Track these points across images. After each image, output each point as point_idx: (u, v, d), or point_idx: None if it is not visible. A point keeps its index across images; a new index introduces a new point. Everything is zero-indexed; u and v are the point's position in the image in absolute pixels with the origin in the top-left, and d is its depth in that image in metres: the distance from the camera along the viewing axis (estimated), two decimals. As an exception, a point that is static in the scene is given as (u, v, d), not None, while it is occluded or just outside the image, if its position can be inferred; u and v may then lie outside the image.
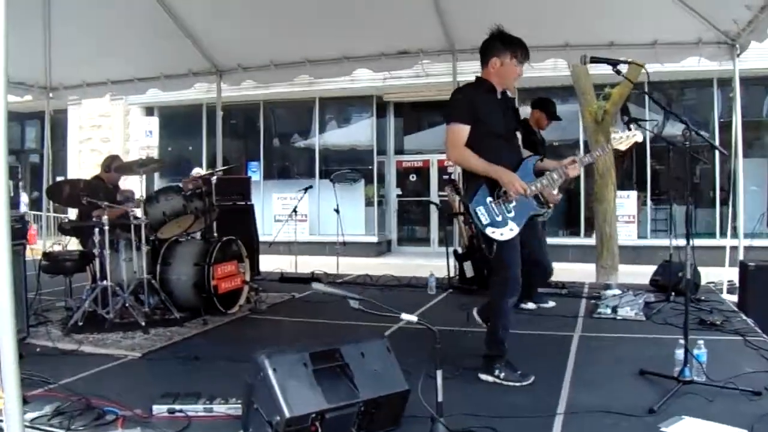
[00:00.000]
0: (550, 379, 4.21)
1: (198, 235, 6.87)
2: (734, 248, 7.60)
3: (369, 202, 18.07)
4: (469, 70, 9.38)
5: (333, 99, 18.02)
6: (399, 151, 18.42)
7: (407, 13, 7.68)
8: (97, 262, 5.91)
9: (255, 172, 18.29)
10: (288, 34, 8.32)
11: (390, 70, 9.44)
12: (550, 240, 7.75)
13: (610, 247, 10.08)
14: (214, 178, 6.89)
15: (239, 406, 3.38)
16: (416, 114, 18.51)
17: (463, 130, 4.17)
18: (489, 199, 4.16)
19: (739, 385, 3.78)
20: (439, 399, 3.05)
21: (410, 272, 9.32)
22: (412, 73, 13.32)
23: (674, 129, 9.43)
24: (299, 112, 18.95)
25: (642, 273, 8.37)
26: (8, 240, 2.78)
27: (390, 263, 14.17)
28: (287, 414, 2.86)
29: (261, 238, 9.50)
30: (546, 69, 10.40)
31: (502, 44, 4.22)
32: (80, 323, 5.53)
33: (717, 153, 12.74)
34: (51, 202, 10.97)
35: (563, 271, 7.44)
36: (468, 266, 7.77)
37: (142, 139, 17.22)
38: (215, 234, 6.81)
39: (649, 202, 15.76)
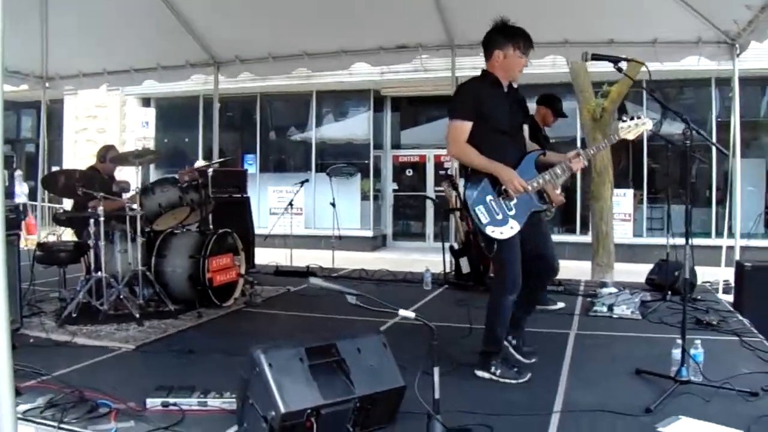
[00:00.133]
0: (547, 376, 4.21)
1: (194, 227, 6.84)
2: (730, 248, 7.61)
3: (365, 197, 18.03)
4: (468, 65, 9.36)
5: (330, 92, 17.96)
6: (396, 145, 18.39)
7: (407, 7, 7.64)
8: (91, 253, 5.86)
9: (251, 165, 18.25)
10: (287, 27, 8.27)
11: (388, 64, 9.38)
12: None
13: (606, 245, 10.10)
14: (211, 170, 6.86)
15: (234, 400, 3.37)
16: (413, 109, 18.50)
17: (465, 126, 4.13)
18: (489, 197, 4.12)
19: (736, 386, 3.77)
20: (436, 396, 3.03)
21: (405, 267, 9.30)
22: (410, 68, 13.24)
23: (672, 127, 9.44)
24: (296, 105, 18.91)
25: (637, 271, 8.36)
26: (2, 230, 2.76)
27: (385, 258, 14.16)
28: (283, 409, 2.84)
29: (256, 231, 9.46)
30: (545, 66, 10.38)
31: (504, 36, 4.17)
32: (74, 314, 5.49)
33: (714, 152, 12.80)
34: (46, 192, 10.93)
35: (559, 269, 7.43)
36: (464, 262, 7.75)
37: (138, 130, 17.11)
38: (211, 226, 6.79)
39: (645, 200, 15.77)
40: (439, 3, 7.65)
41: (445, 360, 3.85)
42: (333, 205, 11.30)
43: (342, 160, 18.16)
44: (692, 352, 3.97)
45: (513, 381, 4.09)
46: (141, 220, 5.98)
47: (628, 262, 11.65)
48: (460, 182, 8.13)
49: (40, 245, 6.16)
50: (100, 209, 5.68)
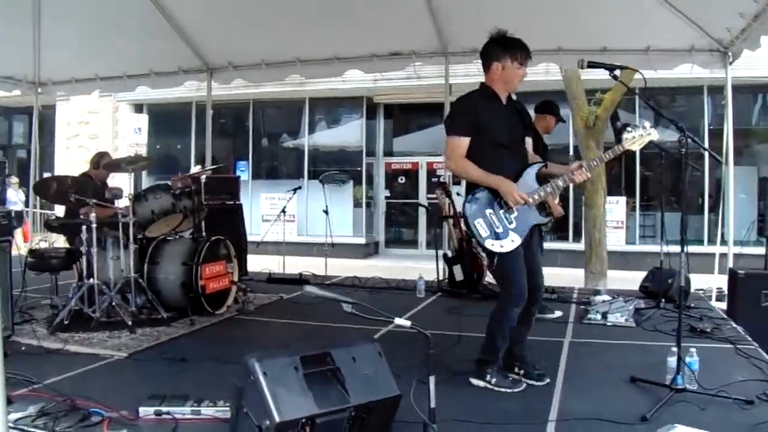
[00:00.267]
0: (541, 385, 4.19)
1: (186, 234, 6.81)
2: (723, 255, 7.62)
3: (357, 204, 18.02)
4: (461, 72, 9.39)
5: (323, 99, 17.97)
6: (388, 152, 18.39)
7: (400, 14, 7.64)
8: (84, 259, 5.82)
9: (243, 172, 18.21)
10: (280, 34, 8.27)
11: (381, 71, 9.39)
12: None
13: (599, 253, 10.11)
14: (203, 177, 6.83)
15: (227, 409, 3.34)
16: (406, 116, 18.52)
17: (462, 142, 4.12)
18: (489, 210, 4.10)
19: (732, 394, 3.76)
20: (432, 405, 3.01)
21: (398, 274, 9.29)
22: (403, 75, 13.31)
23: (664, 135, 9.46)
24: (289, 112, 18.90)
25: (630, 279, 8.38)
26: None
27: (378, 265, 14.16)
28: (277, 418, 2.81)
29: (249, 238, 9.44)
30: (538, 73, 10.40)
31: (502, 48, 4.16)
32: (66, 322, 5.44)
33: (706, 160, 12.84)
34: (38, 199, 10.88)
35: (552, 276, 7.37)
36: (458, 270, 7.74)
37: (130, 136, 17.11)
38: (204, 233, 6.75)
39: (638, 207, 15.81)
40: (432, 10, 7.65)
41: (440, 368, 3.82)
42: (326, 212, 11.28)
43: (334, 167, 18.17)
44: (687, 359, 3.97)
45: (508, 390, 4.07)
46: (134, 226, 5.95)
47: (620, 269, 11.66)
48: (453, 189, 8.15)
49: (32, 252, 6.12)
50: (93, 216, 5.64)
